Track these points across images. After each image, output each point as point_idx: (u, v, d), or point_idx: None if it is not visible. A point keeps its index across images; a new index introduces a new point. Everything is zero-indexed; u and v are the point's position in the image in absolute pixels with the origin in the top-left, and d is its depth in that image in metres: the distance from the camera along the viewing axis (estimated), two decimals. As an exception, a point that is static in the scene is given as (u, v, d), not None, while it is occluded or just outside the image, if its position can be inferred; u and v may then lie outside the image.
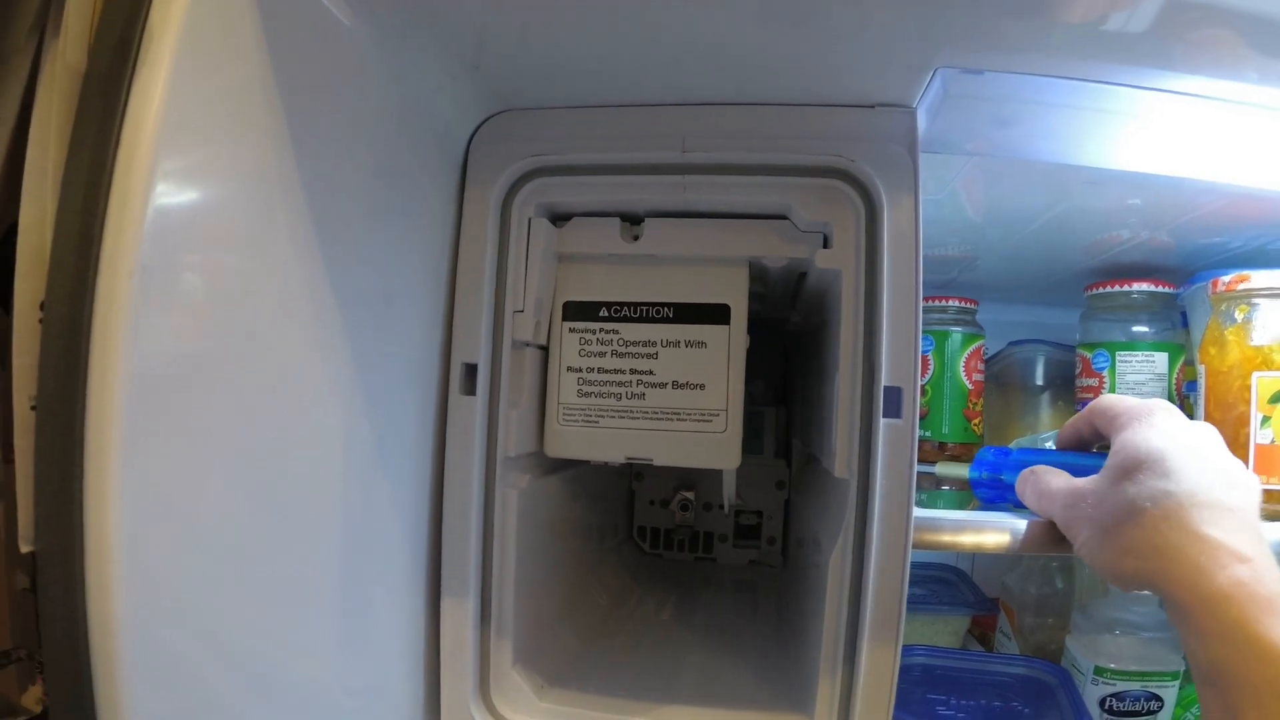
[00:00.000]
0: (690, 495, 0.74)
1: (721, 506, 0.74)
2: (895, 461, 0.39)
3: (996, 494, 0.46)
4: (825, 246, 0.42)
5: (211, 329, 0.28)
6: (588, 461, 0.55)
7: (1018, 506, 0.43)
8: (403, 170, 0.39)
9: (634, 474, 0.76)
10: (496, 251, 0.44)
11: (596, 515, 0.65)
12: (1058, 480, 0.40)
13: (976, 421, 0.65)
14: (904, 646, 0.47)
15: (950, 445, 0.64)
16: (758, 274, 0.48)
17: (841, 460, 0.41)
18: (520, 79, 0.41)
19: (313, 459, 0.34)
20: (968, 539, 0.42)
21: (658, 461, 0.46)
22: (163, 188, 0.25)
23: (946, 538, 0.42)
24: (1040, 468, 0.42)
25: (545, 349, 0.48)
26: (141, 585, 0.25)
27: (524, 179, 0.44)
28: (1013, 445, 0.49)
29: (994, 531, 0.42)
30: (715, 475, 0.71)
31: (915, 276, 0.39)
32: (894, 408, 0.39)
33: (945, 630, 0.71)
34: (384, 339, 0.38)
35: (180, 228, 0.26)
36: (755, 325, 0.48)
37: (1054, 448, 0.46)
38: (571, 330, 0.47)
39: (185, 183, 0.26)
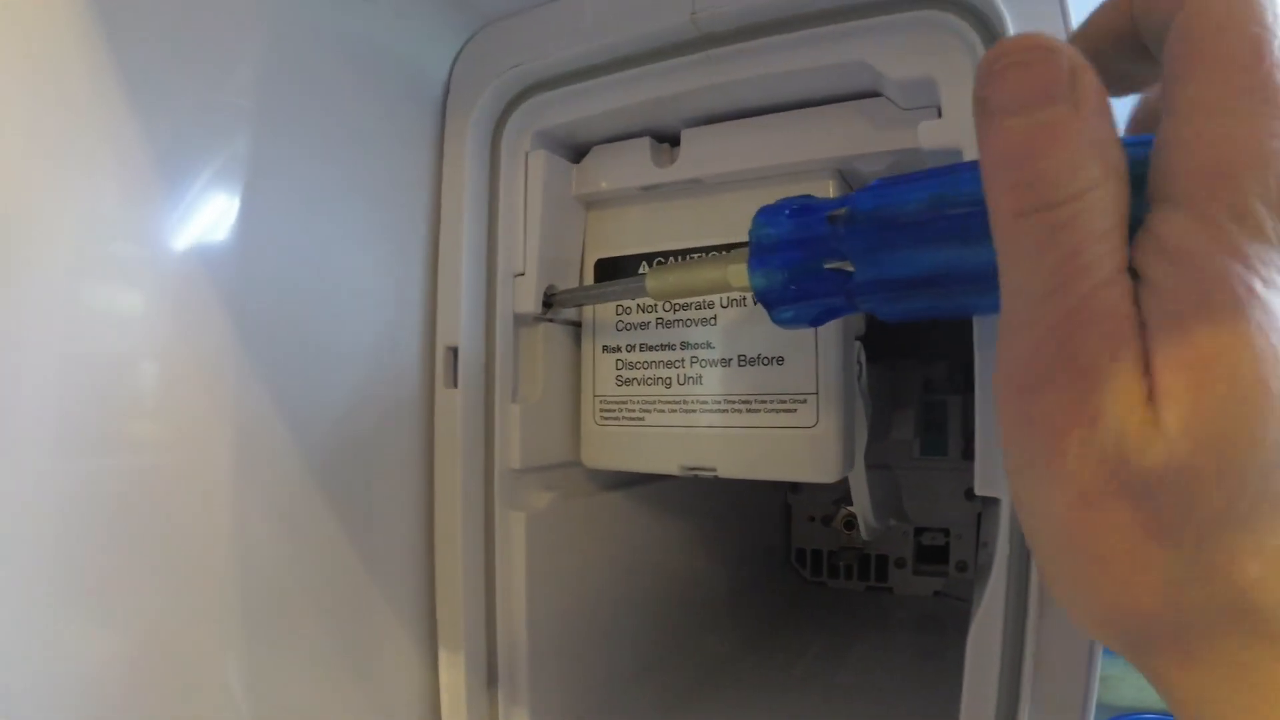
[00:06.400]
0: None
1: (904, 519, 0.57)
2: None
3: (817, 305, 0.22)
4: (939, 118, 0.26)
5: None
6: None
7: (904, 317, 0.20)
8: (363, 130, 0.31)
9: (788, 484, 0.62)
10: (487, 198, 0.33)
11: (722, 538, 0.52)
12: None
13: None
14: None
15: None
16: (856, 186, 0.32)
17: (983, 463, 0.25)
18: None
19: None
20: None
21: (723, 473, 0.33)
22: None
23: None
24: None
25: (577, 324, 0.36)
26: None
27: (515, 102, 0.33)
28: None
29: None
30: (890, 482, 0.54)
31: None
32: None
33: None
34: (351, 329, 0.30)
35: None
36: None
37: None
38: (605, 296, 0.35)
39: None
